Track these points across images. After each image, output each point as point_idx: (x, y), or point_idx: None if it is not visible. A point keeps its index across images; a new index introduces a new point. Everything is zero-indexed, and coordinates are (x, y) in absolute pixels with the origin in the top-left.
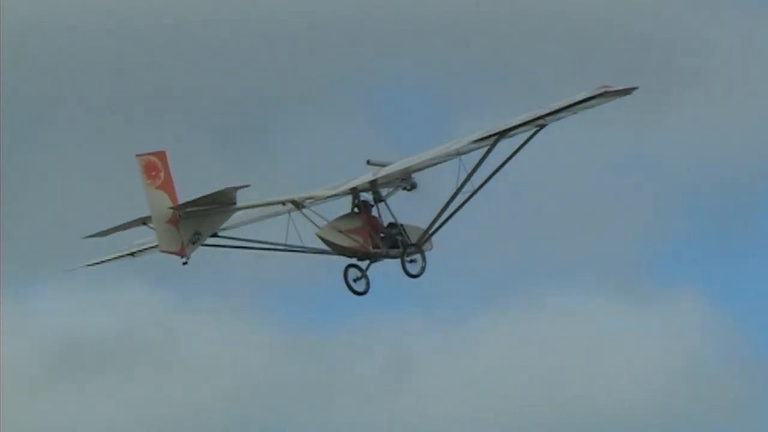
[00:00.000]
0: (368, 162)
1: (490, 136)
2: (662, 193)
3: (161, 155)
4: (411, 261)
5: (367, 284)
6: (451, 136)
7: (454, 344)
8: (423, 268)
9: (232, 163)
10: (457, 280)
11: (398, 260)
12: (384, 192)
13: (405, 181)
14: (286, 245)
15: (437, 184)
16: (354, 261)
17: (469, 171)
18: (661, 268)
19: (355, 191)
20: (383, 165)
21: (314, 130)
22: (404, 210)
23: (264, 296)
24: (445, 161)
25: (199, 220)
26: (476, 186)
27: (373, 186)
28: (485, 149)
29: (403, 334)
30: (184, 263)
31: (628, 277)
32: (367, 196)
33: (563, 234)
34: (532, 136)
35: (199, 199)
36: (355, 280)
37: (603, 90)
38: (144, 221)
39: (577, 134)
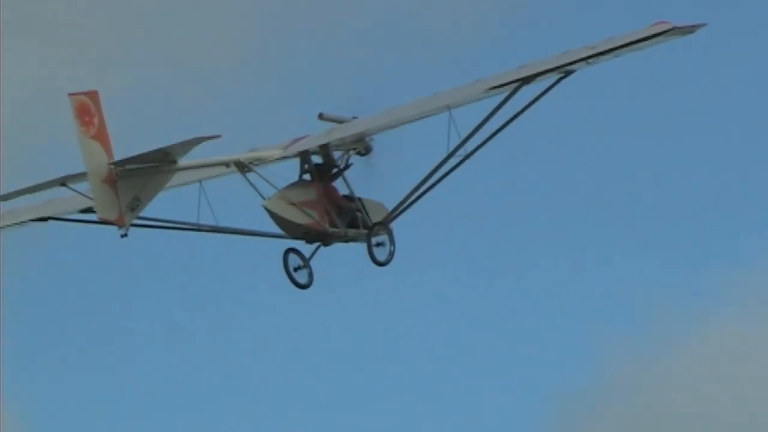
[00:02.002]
0: (320, 116)
1: (509, 83)
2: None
3: (93, 95)
4: (378, 244)
5: (311, 275)
6: (442, 82)
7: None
8: (392, 254)
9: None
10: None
11: (359, 243)
12: (336, 156)
13: (358, 142)
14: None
15: (410, 147)
16: (292, 244)
17: (459, 129)
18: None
19: (306, 154)
20: (339, 121)
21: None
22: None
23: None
24: (427, 117)
25: (139, 181)
26: (470, 150)
27: (324, 148)
28: (498, 100)
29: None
30: (123, 236)
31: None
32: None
33: (582, 219)
34: (553, 86)
35: (145, 154)
36: (296, 270)
37: (666, 27)
38: (64, 182)
39: (612, 82)
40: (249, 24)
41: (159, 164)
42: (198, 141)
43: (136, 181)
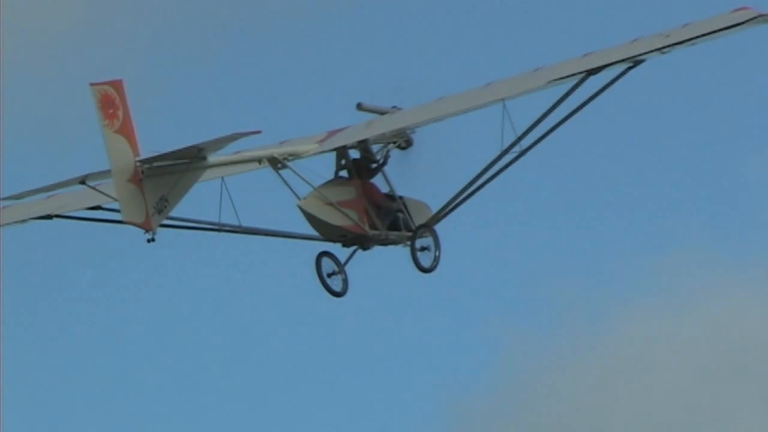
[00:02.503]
0: (359, 107)
1: (574, 74)
2: None
3: (118, 85)
4: (422, 249)
5: (346, 282)
6: (494, 71)
7: None
8: (438, 259)
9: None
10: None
11: (402, 247)
12: (375, 150)
13: (399, 135)
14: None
15: (456, 141)
16: (326, 248)
17: (514, 123)
18: None
19: (343, 149)
20: (379, 112)
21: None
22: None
23: None
24: (478, 109)
25: (167, 180)
26: (526, 146)
27: (363, 143)
28: (558, 92)
29: None
30: (150, 240)
31: None
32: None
33: (651, 220)
34: (620, 76)
35: (176, 151)
36: (330, 275)
37: (752, 14)
38: (83, 180)
39: (683, 70)
40: (282, 7)
41: (188, 161)
42: (235, 137)
43: (164, 180)
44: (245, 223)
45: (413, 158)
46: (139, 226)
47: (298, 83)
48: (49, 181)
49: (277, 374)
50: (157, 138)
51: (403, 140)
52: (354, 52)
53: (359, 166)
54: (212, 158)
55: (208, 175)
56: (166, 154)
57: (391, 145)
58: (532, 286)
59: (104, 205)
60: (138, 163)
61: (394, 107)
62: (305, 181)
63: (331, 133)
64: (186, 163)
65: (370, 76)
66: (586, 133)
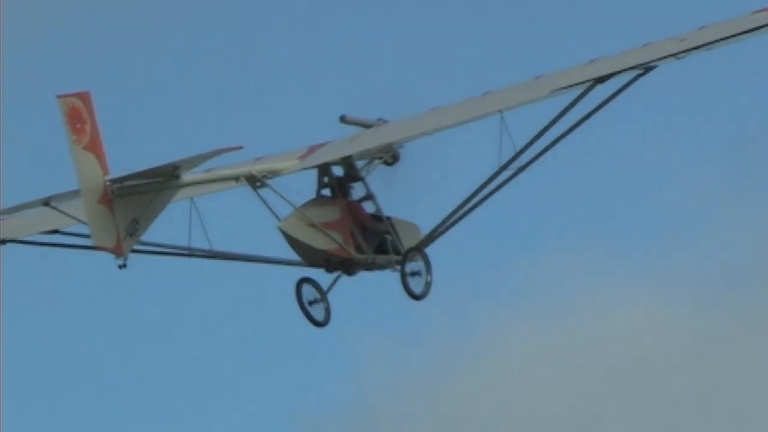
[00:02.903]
0: (342, 120)
1: (580, 83)
2: None
3: (85, 98)
4: (413, 273)
5: (328, 311)
6: (489, 79)
7: None
8: (429, 285)
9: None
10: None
11: (391, 272)
12: (359, 165)
13: (385, 150)
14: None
15: (448, 155)
16: (307, 273)
17: (513, 137)
18: None
19: (326, 166)
20: (364, 125)
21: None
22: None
23: None
24: (473, 121)
25: (138, 201)
26: (524, 162)
27: (347, 159)
28: (562, 102)
29: None
30: (122, 266)
31: None
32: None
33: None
34: (629, 84)
35: (150, 170)
36: (311, 303)
37: None
38: (47, 201)
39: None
40: (258, 13)
41: (162, 180)
42: (214, 154)
43: (136, 200)
44: (219, 247)
45: (401, 175)
46: (109, 250)
47: (276, 94)
48: (11, 202)
49: (254, 409)
50: (126, 155)
51: (390, 155)
52: (336, 59)
53: (342, 183)
54: (186, 177)
55: (180, 195)
56: (138, 173)
57: (377, 160)
58: (531, 314)
59: (62, 229)
60: (108, 183)
61: (380, 120)
62: (286, 200)
63: (313, 149)
64: (159, 182)
65: (353, 85)
66: (592, 147)
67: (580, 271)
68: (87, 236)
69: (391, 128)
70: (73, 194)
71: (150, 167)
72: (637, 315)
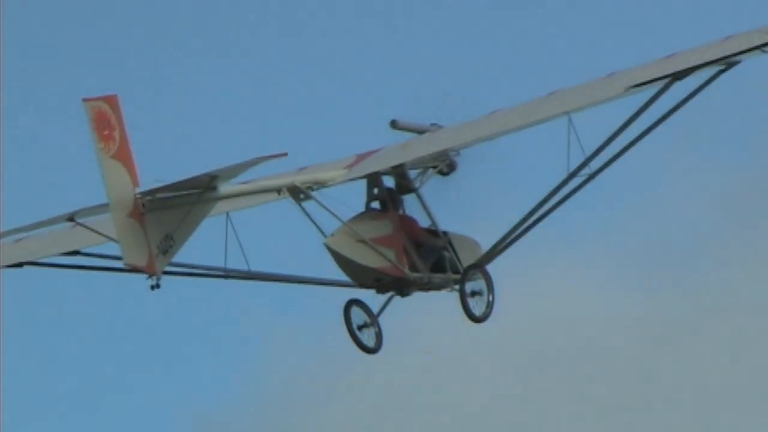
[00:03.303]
0: (393, 125)
1: (656, 79)
2: None
3: (113, 102)
4: (473, 294)
5: (379, 336)
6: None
7: None
8: (492, 306)
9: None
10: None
11: (448, 292)
12: (412, 175)
13: (440, 159)
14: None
15: (512, 163)
16: (357, 294)
17: (582, 141)
18: None
19: (376, 176)
20: (417, 130)
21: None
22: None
23: None
24: (538, 125)
25: (172, 215)
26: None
27: (399, 168)
28: (636, 102)
29: None
30: (155, 287)
31: None
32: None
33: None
34: (710, 81)
35: (185, 181)
36: (360, 328)
37: None
38: (72, 217)
39: None
40: (303, 10)
41: (198, 192)
42: (256, 162)
43: (169, 214)
44: (258, 267)
45: (458, 185)
46: (141, 269)
47: (322, 97)
48: (33, 218)
49: None
50: (157, 164)
51: (446, 164)
52: (386, 60)
53: (394, 195)
54: (224, 188)
55: (215, 209)
56: (171, 185)
57: (432, 170)
58: (601, 336)
59: (86, 249)
60: (139, 195)
61: (433, 125)
62: (333, 214)
63: (361, 157)
64: (195, 195)
65: (406, 87)
66: (669, 151)
67: (661, 293)
68: (114, 257)
69: (447, 134)
70: (101, 208)
71: (185, 178)
72: (722, 343)
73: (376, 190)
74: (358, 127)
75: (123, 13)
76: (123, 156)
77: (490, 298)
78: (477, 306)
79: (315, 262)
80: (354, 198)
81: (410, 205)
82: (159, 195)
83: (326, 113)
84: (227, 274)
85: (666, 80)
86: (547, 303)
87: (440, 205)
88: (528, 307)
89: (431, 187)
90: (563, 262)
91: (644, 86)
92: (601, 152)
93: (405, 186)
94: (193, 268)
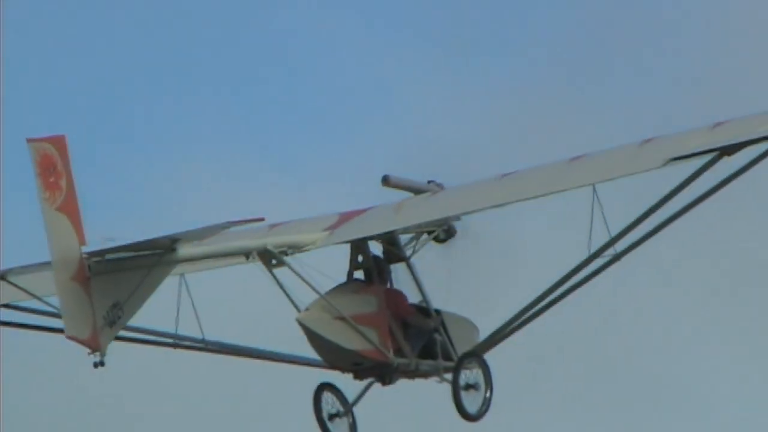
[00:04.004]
0: (385, 182)
1: (702, 152)
2: None
3: (60, 142)
4: (468, 387)
5: (353, 428)
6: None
7: None
8: (488, 402)
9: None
10: None
11: (438, 382)
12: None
13: (437, 223)
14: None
15: (521, 232)
16: (330, 378)
17: (608, 217)
18: None
19: (362, 243)
20: (412, 189)
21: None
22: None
23: None
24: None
25: (122, 280)
26: (620, 250)
27: (389, 234)
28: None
29: None
30: (98, 364)
31: None
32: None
33: None
34: (760, 159)
35: (141, 243)
36: (332, 418)
37: None
38: (4, 275)
39: None
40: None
41: (154, 255)
42: (228, 226)
43: (119, 279)
44: (216, 337)
45: (456, 256)
46: (82, 343)
47: (304, 144)
48: None
49: None
50: (108, 217)
51: (443, 229)
52: (381, 106)
53: (380, 264)
54: (184, 250)
55: (178, 271)
56: (125, 246)
57: (426, 235)
58: None
59: (13, 303)
60: (85, 256)
61: (431, 182)
62: (308, 284)
63: (345, 217)
64: (151, 258)
65: (401, 139)
66: (708, 233)
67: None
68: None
69: (450, 198)
70: (37, 268)
71: (141, 240)
72: None
73: (360, 258)
74: (344, 182)
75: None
76: (69, 208)
77: (488, 394)
78: (472, 402)
79: (284, 338)
80: (334, 265)
81: (399, 276)
82: (109, 256)
83: (308, 162)
84: (178, 341)
85: (714, 154)
86: (549, 401)
87: (434, 279)
88: (528, 404)
89: (425, 256)
90: (572, 355)
91: (688, 159)
92: (630, 231)
93: (394, 254)
94: (139, 332)
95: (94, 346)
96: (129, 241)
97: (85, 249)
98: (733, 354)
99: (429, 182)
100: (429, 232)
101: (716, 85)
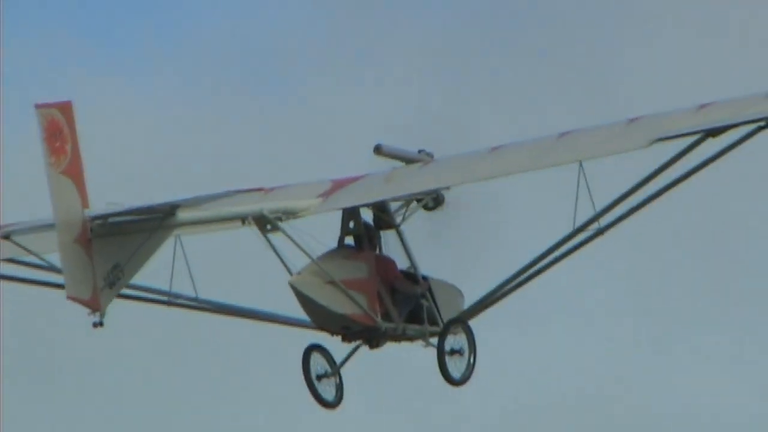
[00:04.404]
0: (377, 151)
1: (688, 134)
2: None
3: (66, 108)
4: (453, 352)
5: (340, 390)
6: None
7: None
8: (472, 367)
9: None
10: None
11: (423, 345)
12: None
13: (427, 192)
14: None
15: (509, 205)
16: (318, 340)
17: (593, 193)
18: None
19: (354, 210)
20: (405, 159)
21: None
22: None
23: None
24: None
25: (122, 243)
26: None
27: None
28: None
29: None
30: (97, 324)
31: None
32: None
33: None
34: (744, 139)
35: (144, 208)
36: (320, 378)
37: None
38: (8, 235)
39: None
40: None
41: (154, 219)
42: (229, 194)
43: (120, 242)
44: (210, 297)
45: (444, 224)
46: (83, 304)
47: (299, 112)
48: None
49: None
50: (111, 183)
51: (432, 198)
52: (375, 77)
53: (371, 231)
54: (183, 215)
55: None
56: (127, 211)
57: (416, 203)
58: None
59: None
60: (88, 219)
61: (422, 152)
62: (302, 250)
63: (338, 184)
64: (151, 222)
65: (394, 109)
66: (690, 211)
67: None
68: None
69: (440, 169)
70: (42, 228)
71: (142, 205)
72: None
73: (351, 224)
74: (337, 149)
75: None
76: (74, 172)
77: (471, 359)
78: (456, 367)
79: (275, 299)
80: (325, 230)
81: (388, 242)
82: (111, 220)
83: (302, 129)
84: (171, 299)
85: (699, 135)
86: (530, 366)
87: (422, 246)
88: (510, 370)
89: (413, 223)
90: (554, 323)
91: (674, 139)
92: (614, 207)
93: (384, 221)
94: (134, 289)
95: (95, 306)
96: (130, 207)
97: (88, 212)
98: (714, 327)
99: (419, 152)
100: (418, 200)
101: (698, 67)
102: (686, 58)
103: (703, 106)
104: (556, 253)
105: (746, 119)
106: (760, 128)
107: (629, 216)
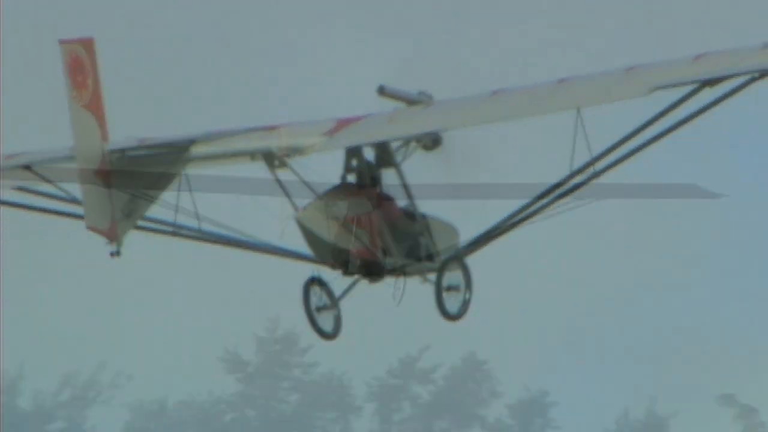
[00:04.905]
0: (380, 92)
1: (685, 83)
2: None
3: (88, 44)
4: (449, 288)
5: (338, 321)
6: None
7: None
8: (467, 303)
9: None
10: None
11: (421, 281)
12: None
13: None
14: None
15: (506, 147)
16: (318, 272)
17: (590, 138)
18: None
19: (357, 149)
20: (406, 100)
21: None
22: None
23: None
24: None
25: (140, 176)
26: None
27: (383, 143)
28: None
29: None
30: (114, 254)
31: None
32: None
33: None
34: (738, 89)
35: (163, 143)
36: (319, 310)
37: None
38: (30, 165)
39: None
40: None
41: (171, 154)
42: (244, 132)
43: (138, 175)
44: (215, 229)
45: (442, 164)
46: (102, 234)
47: (304, 51)
48: None
49: None
50: (126, 117)
51: (431, 138)
52: (378, 19)
53: (373, 170)
54: (195, 150)
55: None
56: (145, 145)
57: (414, 143)
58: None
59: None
60: (108, 152)
61: (422, 93)
62: (308, 187)
63: (342, 123)
64: (168, 156)
65: (397, 51)
66: (680, 158)
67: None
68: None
69: (441, 112)
70: (61, 160)
71: (161, 140)
72: None
73: (354, 162)
74: (341, 88)
75: None
76: (95, 107)
77: (467, 296)
78: (452, 302)
79: (279, 233)
80: (329, 166)
81: (389, 181)
82: (129, 153)
83: (308, 69)
84: (176, 230)
85: (696, 85)
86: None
87: (421, 184)
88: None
89: (413, 162)
90: (548, 262)
91: (671, 88)
92: (611, 153)
93: (385, 159)
94: (161, 224)
95: (112, 236)
96: (149, 142)
97: (108, 146)
98: (704, 274)
99: (420, 93)
100: (417, 140)
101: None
102: (681, 7)
103: (697, 57)
104: (552, 195)
105: (741, 71)
106: (753, 79)
107: (624, 161)
